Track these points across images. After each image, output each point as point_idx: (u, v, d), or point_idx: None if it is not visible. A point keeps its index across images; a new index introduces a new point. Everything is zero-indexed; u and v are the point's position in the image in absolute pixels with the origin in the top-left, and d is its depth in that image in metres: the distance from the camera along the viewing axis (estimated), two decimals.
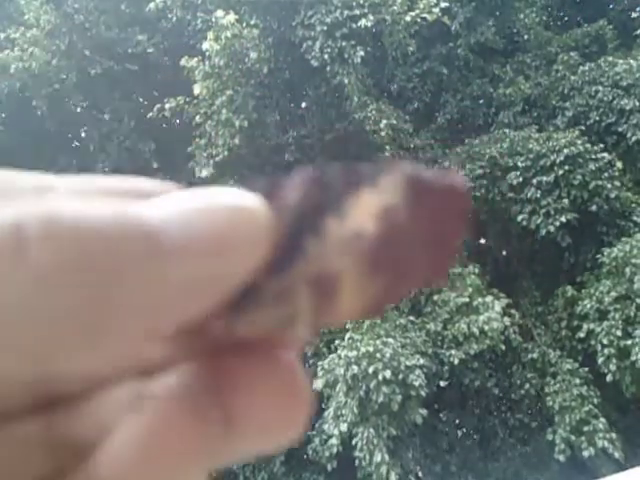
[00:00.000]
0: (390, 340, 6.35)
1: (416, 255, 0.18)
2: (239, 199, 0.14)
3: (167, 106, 7.70)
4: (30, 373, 0.13)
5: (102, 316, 0.13)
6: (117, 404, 0.17)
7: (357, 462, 6.38)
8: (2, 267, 0.12)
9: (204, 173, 7.30)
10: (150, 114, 7.77)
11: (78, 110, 9.02)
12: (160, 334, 0.14)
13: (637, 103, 8.02)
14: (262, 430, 0.16)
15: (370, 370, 6.07)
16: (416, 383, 6.17)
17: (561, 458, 6.80)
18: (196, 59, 7.34)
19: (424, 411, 6.39)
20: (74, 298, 0.13)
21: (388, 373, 6.06)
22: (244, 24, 7.41)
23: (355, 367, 6.11)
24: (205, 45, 7.25)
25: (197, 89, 7.37)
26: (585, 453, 6.62)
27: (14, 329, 0.12)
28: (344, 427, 6.33)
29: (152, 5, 7.81)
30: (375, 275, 0.17)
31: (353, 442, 6.39)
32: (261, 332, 0.16)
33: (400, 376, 6.15)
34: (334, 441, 6.42)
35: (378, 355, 6.13)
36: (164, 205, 0.14)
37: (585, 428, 6.70)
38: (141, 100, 9.26)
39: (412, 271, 0.18)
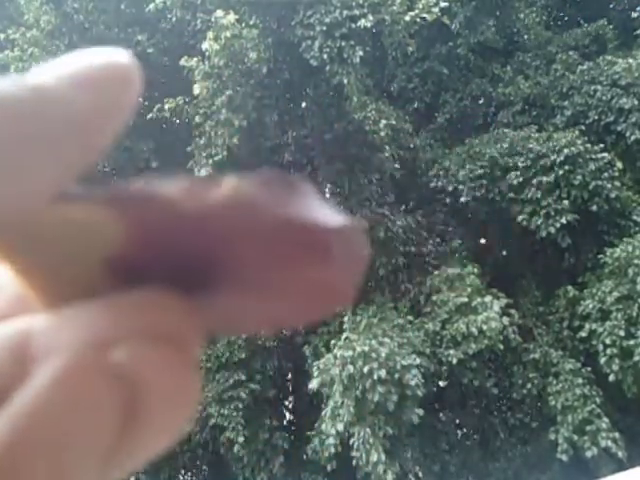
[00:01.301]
0: (386, 340, 6.34)
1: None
2: (113, 55, 0.17)
3: (167, 106, 7.69)
4: None
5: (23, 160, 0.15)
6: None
7: (355, 462, 6.38)
8: None
9: (203, 173, 7.29)
10: (150, 114, 7.76)
11: None
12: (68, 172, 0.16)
13: (636, 102, 8.01)
14: (161, 425, 0.18)
15: (365, 370, 6.07)
16: (412, 383, 6.16)
17: (564, 458, 6.80)
18: (196, 59, 7.33)
19: (420, 411, 6.38)
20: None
21: (383, 373, 6.06)
22: (244, 24, 7.40)
23: (351, 367, 6.11)
24: (205, 45, 7.24)
25: (197, 89, 7.37)
26: (588, 453, 6.62)
27: None
28: (341, 427, 6.33)
29: (152, 5, 7.81)
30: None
31: (350, 442, 6.39)
32: None
33: (396, 376, 6.14)
34: (331, 441, 6.42)
35: (374, 355, 6.13)
36: (52, 72, 0.16)
37: (588, 428, 6.69)
38: (141, 100, 9.26)
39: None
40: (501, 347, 6.79)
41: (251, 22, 7.61)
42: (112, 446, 0.16)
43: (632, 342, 6.73)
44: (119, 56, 0.18)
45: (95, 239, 0.18)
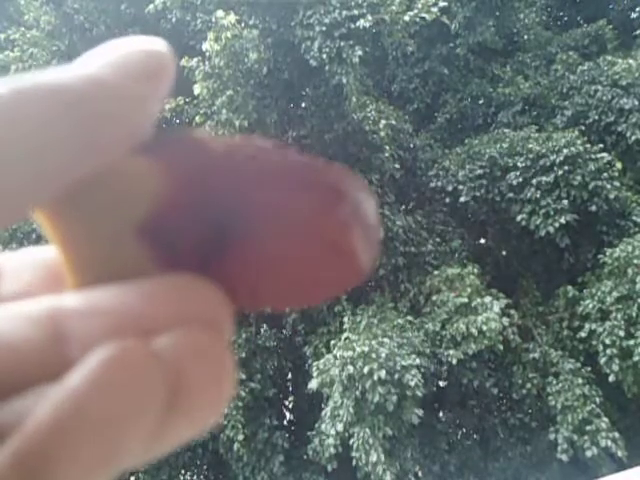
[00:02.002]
0: (386, 340, 6.34)
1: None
2: (150, 43, 0.19)
3: (167, 106, 7.70)
4: None
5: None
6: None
7: (355, 462, 6.38)
8: None
9: None
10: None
11: None
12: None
13: (636, 102, 8.01)
14: (200, 409, 0.18)
15: (365, 370, 6.07)
16: (412, 383, 6.16)
17: (564, 458, 6.80)
18: (196, 59, 7.34)
19: (420, 411, 6.38)
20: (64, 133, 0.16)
21: (383, 373, 6.06)
22: (244, 25, 7.41)
23: (350, 367, 6.11)
24: (205, 45, 7.25)
25: (197, 89, 7.37)
26: (588, 453, 6.61)
27: None
28: (340, 427, 6.33)
29: (152, 5, 7.81)
30: None
31: (350, 442, 6.39)
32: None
33: (396, 376, 6.15)
34: (331, 441, 6.42)
35: (373, 355, 6.13)
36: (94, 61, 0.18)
37: (588, 428, 6.69)
38: None
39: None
40: (501, 347, 6.79)
41: (251, 22, 7.62)
42: (153, 432, 0.17)
43: (632, 342, 6.72)
44: (159, 45, 0.19)
45: (135, 191, 0.18)
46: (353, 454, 6.35)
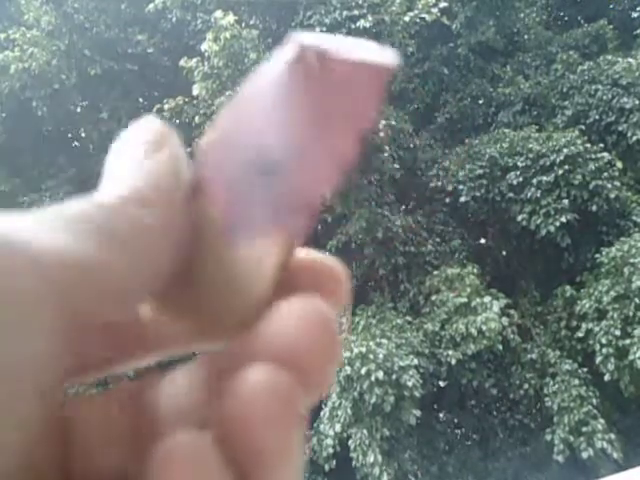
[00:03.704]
0: (384, 341, 6.34)
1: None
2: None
3: (166, 106, 7.70)
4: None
5: None
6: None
7: (353, 463, 6.39)
8: None
9: None
10: (149, 114, 7.76)
11: (78, 110, 9.02)
12: None
13: (637, 102, 8.00)
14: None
15: (363, 371, 6.07)
16: (409, 384, 6.16)
17: (560, 459, 6.79)
18: (195, 59, 7.34)
19: (418, 412, 6.38)
20: None
21: (380, 374, 6.06)
22: (243, 25, 7.41)
23: (348, 368, 6.11)
24: (204, 46, 7.25)
25: (196, 89, 7.37)
26: (584, 454, 6.61)
27: None
28: (338, 428, 6.34)
29: (152, 5, 7.82)
30: None
31: (349, 443, 6.40)
32: None
33: (393, 377, 6.15)
34: (329, 442, 6.42)
35: (371, 356, 6.13)
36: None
37: (584, 429, 6.68)
38: (141, 100, 9.27)
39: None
40: (500, 348, 6.79)
41: (251, 22, 7.63)
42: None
43: (628, 341, 6.72)
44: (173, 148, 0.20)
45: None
46: (352, 454, 6.36)
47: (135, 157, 0.19)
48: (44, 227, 0.16)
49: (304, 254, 0.21)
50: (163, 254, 0.18)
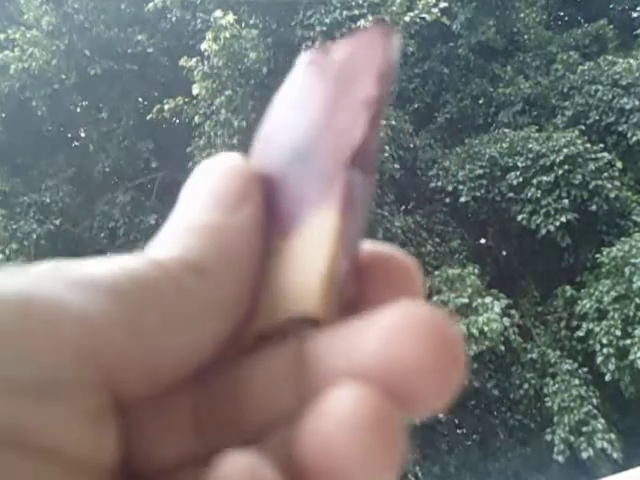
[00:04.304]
0: None
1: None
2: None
3: (166, 106, 7.68)
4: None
5: None
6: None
7: None
8: None
9: None
10: (149, 114, 7.76)
11: (77, 110, 9.01)
12: None
13: (637, 102, 8.00)
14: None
15: None
16: None
17: (560, 459, 6.79)
18: (195, 59, 7.33)
19: None
20: None
21: None
22: (243, 24, 7.40)
23: None
24: (204, 45, 7.24)
25: (196, 89, 7.36)
26: (584, 454, 6.61)
27: None
28: None
29: (152, 5, 7.80)
30: None
31: None
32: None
33: None
34: None
35: None
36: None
37: (584, 429, 6.69)
38: (140, 100, 9.25)
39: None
40: (502, 348, 6.79)
41: (251, 22, 7.62)
42: None
43: (629, 341, 6.73)
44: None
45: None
46: None
47: (209, 211, 0.18)
48: (86, 295, 0.15)
49: (370, 247, 0.19)
50: (215, 329, 0.17)
